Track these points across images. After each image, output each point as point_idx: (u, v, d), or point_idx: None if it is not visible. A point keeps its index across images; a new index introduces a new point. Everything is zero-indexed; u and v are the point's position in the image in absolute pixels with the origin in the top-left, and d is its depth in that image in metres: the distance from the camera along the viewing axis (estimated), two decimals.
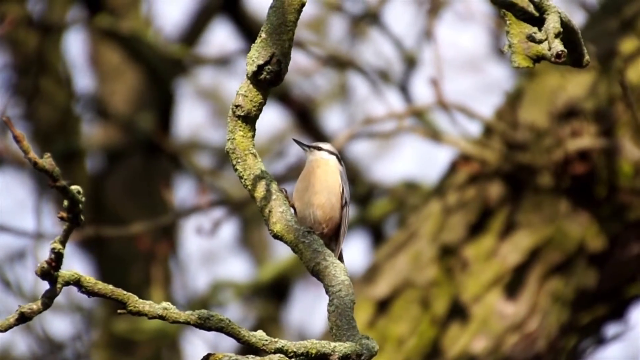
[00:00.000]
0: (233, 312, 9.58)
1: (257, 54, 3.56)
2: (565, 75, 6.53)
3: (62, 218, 3.17)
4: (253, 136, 3.62)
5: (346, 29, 9.84)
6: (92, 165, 9.15)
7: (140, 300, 3.38)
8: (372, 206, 8.90)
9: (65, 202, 3.16)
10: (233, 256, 11.92)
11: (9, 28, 8.03)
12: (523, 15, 3.49)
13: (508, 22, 3.52)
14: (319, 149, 3.82)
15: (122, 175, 9.09)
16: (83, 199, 3.15)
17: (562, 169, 6.46)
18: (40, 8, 8.80)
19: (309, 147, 3.84)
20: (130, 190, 9.07)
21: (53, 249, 3.22)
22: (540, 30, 3.43)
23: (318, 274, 3.55)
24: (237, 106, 3.60)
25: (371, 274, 6.66)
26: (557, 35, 3.37)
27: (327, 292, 3.52)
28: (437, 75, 6.62)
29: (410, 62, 7.86)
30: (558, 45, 3.36)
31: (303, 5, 3.55)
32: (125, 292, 3.36)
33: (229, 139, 3.62)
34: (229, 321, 3.40)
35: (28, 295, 8.28)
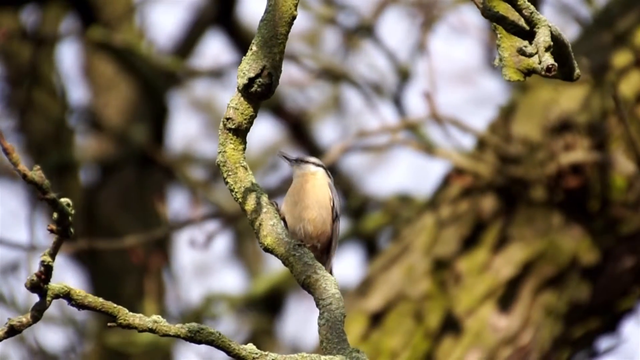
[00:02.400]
0: (226, 325, 9.57)
1: (248, 66, 3.56)
2: (559, 89, 6.53)
3: (51, 230, 3.16)
4: (244, 149, 3.62)
5: (340, 41, 9.85)
6: (85, 178, 9.14)
7: (131, 313, 3.37)
8: (365, 219, 8.89)
9: (55, 215, 3.15)
10: (226, 269, 11.91)
11: (3, 40, 8.03)
12: (514, 29, 3.50)
13: (499, 35, 3.53)
14: (305, 162, 3.82)
15: (116, 188, 9.08)
16: (73, 212, 3.15)
17: (555, 183, 6.46)
18: (34, 20, 8.80)
19: (295, 160, 3.83)
20: (124, 202, 9.06)
21: (42, 261, 3.21)
22: (531, 43, 3.44)
23: (309, 287, 3.55)
24: (227, 119, 3.60)
25: (364, 287, 6.65)
26: (547, 49, 3.37)
27: (317, 306, 3.52)
28: (430, 89, 6.62)
29: (404, 75, 7.86)
30: (548, 59, 3.36)
31: (294, 18, 3.55)
32: (115, 305, 3.36)
33: (220, 152, 3.62)
34: (219, 334, 3.39)
35: (21, 307, 8.25)
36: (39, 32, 8.69)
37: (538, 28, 3.42)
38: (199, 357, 8.69)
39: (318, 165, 3.81)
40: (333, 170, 3.88)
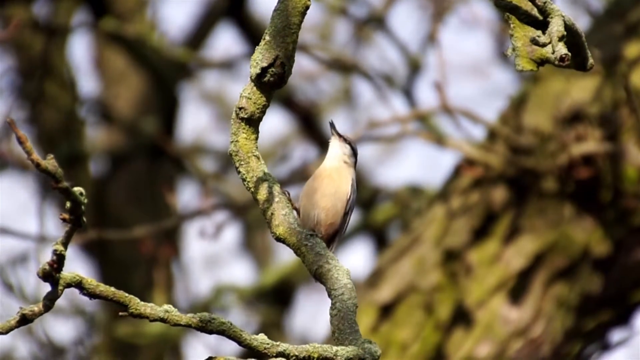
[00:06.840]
0: (236, 316, 9.57)
1: (261, 56, 3.55)
2: (570, 80, 6.51)
3: (64, 219, 3.16)
4: (256, 138, 3.62)
5: (351, 33, 9.84)
6: (95, 169, 9.16)
7: (142, 302, 3.36)
8: (375, 210, 8.89)
9: (68, 204, 3.14)
10: (236, 260, 11.92)
11: (15, 31, 8.03)
12: (527, 19, 3.48)
13: (512, 25, 3.51)
14: (349, 143, 3.80)
15: (126, 179, 9.09)
16: (85, 201, 3.14)
17: (566, 174, 6.45)
18: (46, 11, 8.80)
19: (340, 135, 3.81)
20: (134, 193, 9.07)
21: (55, 250, 3.21)
22: (544, 33, 3.42)
23: (320, 277, 3.54)
24: (240, 108, 3.59)
25: (375, 279, 6.65)
26: (561, 39, 3.36)
27: (329, 296, 3.50)
28: (441, 80, 6.61)
29: (415, 67, 7.85)
30: (562, 49, 3.35)
31: (307, 8, 3.54)
32: (126, 295, 3.35)
33: (232, 141, 3.61)
34: (231, 324, 3.38)
35: (30, 298, 8.27)
36: (51, 24, 8.70)
37: (551, 18, 3.40)
38: (207, 348, 8.70)
39: (354, 154, 3.80)
40: (357, 157, 3.85)
